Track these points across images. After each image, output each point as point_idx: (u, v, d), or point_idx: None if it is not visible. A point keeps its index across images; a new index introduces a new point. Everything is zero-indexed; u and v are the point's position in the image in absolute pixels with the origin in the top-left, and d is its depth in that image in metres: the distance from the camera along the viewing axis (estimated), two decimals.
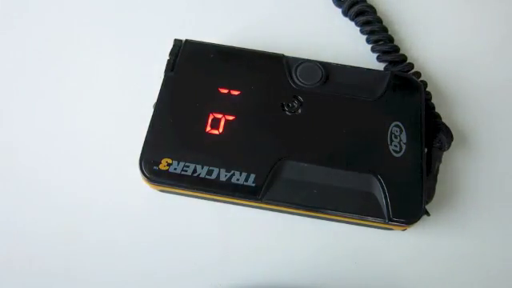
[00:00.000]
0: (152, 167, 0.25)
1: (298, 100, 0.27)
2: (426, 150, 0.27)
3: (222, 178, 0.25)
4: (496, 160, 0.29)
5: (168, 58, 0.28)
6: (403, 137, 0.26)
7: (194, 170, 0.25)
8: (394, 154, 0.26)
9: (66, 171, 0.28)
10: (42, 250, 0.26)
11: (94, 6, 0.33)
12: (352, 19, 0.32)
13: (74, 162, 0.28)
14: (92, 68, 0.31)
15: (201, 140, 0.26)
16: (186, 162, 0.25)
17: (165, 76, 0.27)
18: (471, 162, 0.29)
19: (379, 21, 0.31)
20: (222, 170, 0.25)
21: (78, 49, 0.31)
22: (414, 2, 0.34)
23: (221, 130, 0.26)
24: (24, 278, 0.26)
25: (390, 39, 0.31)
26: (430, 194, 0.26)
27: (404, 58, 0.30)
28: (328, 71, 0.28)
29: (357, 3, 0.32)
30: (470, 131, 0.30)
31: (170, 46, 0.28)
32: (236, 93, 0.27)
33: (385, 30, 0.31)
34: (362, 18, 0.31)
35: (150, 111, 0.26)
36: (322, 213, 0.25)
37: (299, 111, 0.27)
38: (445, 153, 0.28)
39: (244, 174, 0.25)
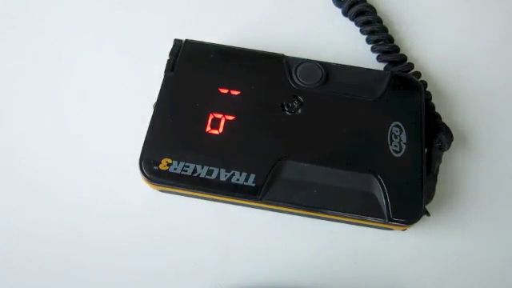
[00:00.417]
0: (152, 167, 0.25)
1: (298, 100, 0.27)
2: (426, 149, 0.27)
3: (222, 178, 0.25)
4: (496, 160, 0.29)
5: (168, 58, 0.28)
6: (403, 137, 0.26)
7: (194, 170, 0.25)
8: (394, 154, 0.26)
9: (66, 171, 0.28)
10: (42, 249, 0.26)
11: (94, 6, 0.33)
12: (352, 19, 0.32)
13: (74, 162, 0.28)
14: (92, 68, 0.31)
15: (201, 140, 0.26)
16: (186, 161, 0.25)
17: (165, 76, 0.27)
18: (471, 161, 0.29)
19: (379, 21, 0.31)
20: (222, 170, 0.25)
21: (78, 49, 0.31)
22: (414, 2, 0.34)
23: (221, 130, 0.26)
24: (24, 278, 0.26)
25: (390, 39, 0.31)
26: (430, 194, 0.26)
27: (404, 58, 0.30)
28: (328, 71, 0.28)
29: (357, 3, 0.32)
30: (470, 131, 0.30)
31: (169, 46, 0.28)
32: (236, 93, 0.27)
33: (385, 30, 0.31)
34: (361, 18, 0.31)
35: (150, 111, 0.26)
36: (322, 213, 0.25)
37: (299, 111, 0.27)
38: (445, 153, 0.28)
39: (244, 174, 0.25)
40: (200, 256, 0.26)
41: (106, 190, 0.27)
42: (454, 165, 0.29)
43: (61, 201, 0.27)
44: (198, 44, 0.28)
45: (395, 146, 0.26)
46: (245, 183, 0.25)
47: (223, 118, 0.26)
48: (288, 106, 0.27)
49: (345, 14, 0.32)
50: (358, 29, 0.32)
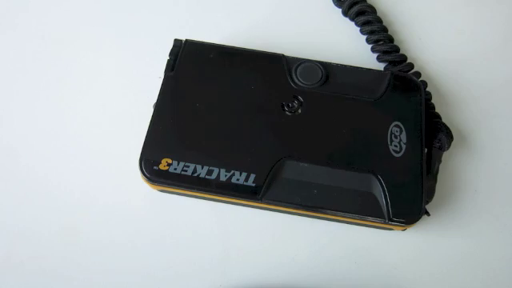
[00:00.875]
0: (152, 167, 0.25)
1: (298, 100, 0.27)
2: (426, 149, 0.27)
3: (222, 178, 0.25)
4: (496, 160, 0.29)
5: (168, 58, 0.28)
6: (403, 137, 0.26)
7: (194, 170, 0.25)
8: (394, 154, 0.26)
9: (66, 171, 0.28)
10: (41, 249, 0.26)
11: (94, 7, 0.33)
12: (352, 19, 0.32)
13: (74, 161, 0.28)
14: (92, 68, 0.31)
15: (201, 140, 0.26)
16: (186, 162, 0.25)
17: (165, 76, 0.27)
18: (471, 161, 0.29)
19: (379, 21, 0.31)
20: (222, 170, 0.25)
21: (78, 49, 0.31)
22: (414, 2, 0.34)
23: (221, 130, 0.26)
24: (24, 278, 0.26)
25: (390, 39, 0.31)
26: (430, 194, 0.26)
27: (404, 58, 0.30)
28: (328, 71, 0.28)
29: (357, 3, 0.32)
30: (470, 131, 0.30)
31: (169, 46, 0.28)
32: (236, 93, 0.27)
33: (385, 30, 0.31)
34: (361, 18, 0.31)
35: (150, 111, 0.26)
36: (322, 213, 0.25)
37: (299, 111, 0.27)
38: (445, 153, 0.28)
39: (244, 174, 0.25)
40: (200, 256, 0.26)
41: (106, 189, 0.27)
42: (454, 165, 0.29)
43: (61, 200, 0.27)
44: (198, 44, 0.28)
45: (395, 146, 0.26)
46: (245, 183, 0.25)
47: (223, 118, 0.26)
48: (288, 105, 0.27)
49: (345, 14, 0.32)
50: (358, 29, 0.32)
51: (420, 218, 0.25)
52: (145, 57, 0.31)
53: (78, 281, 0.26)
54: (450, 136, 0.27)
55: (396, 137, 0.26)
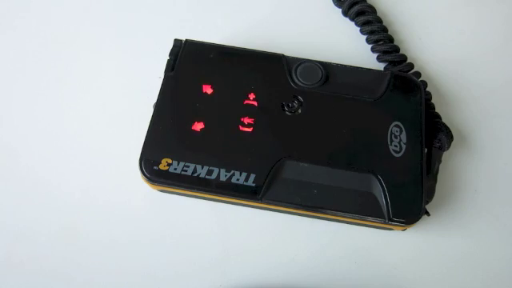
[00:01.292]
0: (152, 167, 0.25)
1: (298, 100, 0.27)
2: (426, 149, 0.27)
3: (222, 178, 0.25)
4: (496, 160, 0.29)
5: (168, 58, 0.28)
6: (403, 137, 0.26)
7: (194, 170, 0.25)
8: (394, 154, 0.26)
9: (66, 171, 0.28)
10: (41, 249, 0.26)
11: (94, 6, 0.33)
12: (352, 19, 0.32)
13: (74, 161, 0.28)
14: (92, 68, 0.31)
15: (201, 140, 0.26)
16: (186, 162, 0.25)
17: (165, 76, 0.27)
18: (471, 161, 0.29)
19: (379, 21, 0.31)
20: (222, 169, 0.25)
21: (78, 49, 0.31)
22: (414, 2, 0.34)
23: (221, 130, 0.26)
24: (24, 278, 0.26)
25: (390, 39, 0.31)
26: (430, 194, 0.26)
27: (404, 58, 0.30)
28: (328, 71, 0.28)
29: (357, 3, 0.32)
30: (470, 131, 0.30)
31: (169, 45, 0.28)
32: (236, 93, 0.27)
33: (385, 29, 0.31)
34: (361, 18, 0.31)
35: (150, 111, 0.26)
36: (322, 213, 0.25)
37: (299, 111, 0.27)
38: (445, 153, 0.28)
39: (244, 174, 0.25)
40: (200, 256, 0.26)
41: (106, 189, 0.27)
42: (454, 165, 0.29)
43: (61, 200, 0.27)
44: (198, 44, 0.28)
45: (395, 146, 0.26)
46: (245, 183, 0.25)
47: (223, 118, 0.26)
48: (288, 105, 0.27)
49: (345, 14, 0.32)
50: (358, 29, 0.32)
51: (420, 217, 0.25)
52: (145, 57, 0.31)
53: (78, 281, 0.26)
54: (450, 136, 0.27)
55: (396, 137, 0.26)
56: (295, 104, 0.27)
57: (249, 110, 0.26)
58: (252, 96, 0.27)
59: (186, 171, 0.25)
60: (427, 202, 0.26)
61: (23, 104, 0.30)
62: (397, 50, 0.31)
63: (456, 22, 0.33)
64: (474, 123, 0.30)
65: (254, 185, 0.25)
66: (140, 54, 0.31)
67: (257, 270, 0.26)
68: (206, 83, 0.27)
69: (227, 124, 0.26)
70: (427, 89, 0.30)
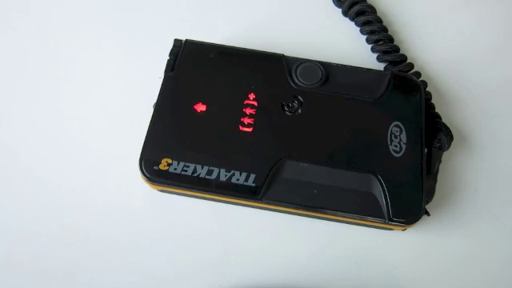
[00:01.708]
0: (152, 167, 0.25)
1: (298, 100, 0.27)
2: (426, 149, 0.27)
3: (222, 178, 0.25)
4: (496, 160, 0.29)
5: (168, 58, 0.28)
6: (403, 137, 0.26)
7: (194, 170, 0.25)
8: (394, 154, 0.26)
9: (66, 171, 0.28)
10: (41, 249, 0.26)
11: (94, 6, 0.33)
12: (352, 19, 0.32)
13: (74, 161, 0.28)
14: (92, 68, 0.31)
15: (201, 140, 0.26)
16: (186, 162, 0.25)
17: (165, 76, 0.27)
18: (471, 161, 0.29)
19: (379, 21, 0.31)
20: (222, 169, 0.25)
21: (78, 49, 0.31)
22: (414, 2, 0.34)
23: (221, 129, 0.26)
24: (24, 278, 0.26)
25: (390, 39, 0.31)
26: (430, 194, 0.26)
27: (404, 58, 0.30)
28: (328, 71, 0.28)
29: (357, 3, 0.32)
30: (470, 131, 0.30)
31: (169, 45, 0.28)
32: (236, 93, 0.27)
33: (385, 29, 0.31)
34: (361, 18, 0.31)
35: (150, 111, 0.26)
36: (322, 213, 0.25)
37: (299, 111, 0.27)
38: (445, 153, 0.28)
39: (244, 174, 0.25)
40: (200, 256, 0.26)
41: (106, 189, 0.27)
42: (454, 165, 0.29)
43: (61, 200, 0.27)
44: (198, 44, 0.28)
45: (395, 146, 0.26)
46: (245, 183, 0.25)
47: (223, 118, 0.26)
48: (288, 106, 0.27)
49: (345, 14, 0.32)
50: (358, 29, 0.32)
51: (420, 217, 0.25)
52: (145, 57, 0.31)
53: (78, 281, 0.26)
54: (449, 136, 0.27)
55: (396, 137, 0.26)
56: (295, 104, 0.27)
57: (249, 110, 0.26)
58: (252, 96, 0.27)
59: (186, 171, 0.25)
60: (427, 202, 0.26)
61: (23, 104, 0.30)
62: (397, 50, 0.31)
63: (456, 21, 0.33)
64: (474, 123, 0.30)
65: (253, 185, 0.25)
66: (140, 54, 0.31)
67: (257, 270, 0.26)
68: (206, 83, 0.27)
69: (227, 124, 0.26)
70: (427, 89, 0.30)
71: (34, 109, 0.29)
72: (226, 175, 0.25)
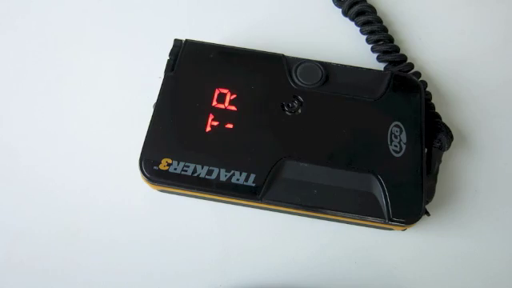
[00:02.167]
0: (152, 167, 0.25)
1: (298, 100, 0.27)
2: (426, 149, 0.27)
3: (222, 178, 0.25)
4: (496, 160, 0.29)
5: (168, 58, 0.28)
6: (403, 137, 0.26)
7: (194, 170, 0.25)
8: (394, 154, 0.26)
9: (66, 171, 0.28)
10: (41, 249, 0.26)
11: (94, 6, 0.33)
12: (352, 19, 0.32)
13: (74, 161, 0.28)
14: (92, 68, 0.31)
15: (201, 140, 0.26)
16: (186, 162, 0.25)
17: (165, 76, 0.27)
18: (471, 161, 0.29)
19: (379, 21, 0.31)
20: (222, 170, 0.25)
21: (78, 49, 0.31)
22: (414, 2, 0.34)
23: (220, 130, 0.26)
24: (24, 278, 0.26)
25: (390, 39, 0.31)
26: (430, 194, 0.26)
27: (404, 58, 0.30)
28: (328, 71, 0.28)
29: (357, 3, 0.32)
30: (470, 131, 0.30)
31: (169, 46, 0.28)
32: (236, 93, 0.27)
33: (385, 29, 0.31)
34: (361, 18, 0.31)
35: (150, 111, 0.26)
36: (322, 213, 0.25)
37: (299, 111, 0.27)
38: (445, 153, 0.28)
39: (244, 174, 0.25)
40: (200, 256, 0.26)
41: (106, 189, 0.27)
42: (454, 165, 0.29)
43: (61, 200, 0.27)
44: (198, 44, 0.28)
45: (395, 146, 0.26)
46: (245, 183, 0.25)
47: (223, 118, 0.26)
48: (288, 106, 0.27)
49: (345, 14, 0.32)
50: (358, 29, 0.32)
51: (420, 217, 0.25)
52: (145, 57, 0.31)
53: (78, 281, 0.26)
54: (450, 136, 0.27)
55: (396, 137, 0.26)
56: (295, 104, 0.27)
57: (249, 110, 0.26)
58: (252, 96, 0.27)
59: (186, 171, 0.25)
60: (427, 202, 0.26)
61: (23, 104, 0.30)
62: (397, 50, 0.31)
63: (456, 22, 0.33)
64: (474, 123, 0.30)
65: (253, 185, 0.25)
66: (140, 54, 0.31)
67: (257, 270, 0.26)
68: (206, 83, 0.27)
69: (227, 124, 0.26)
70: (427, 89, 0.30)
71: (33, 109, 0.29)
72: (225, 175, 0.25)
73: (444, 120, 0.29)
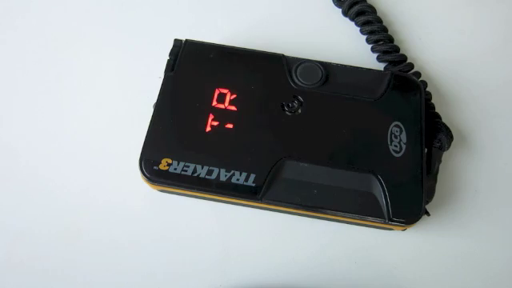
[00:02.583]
0: (152, 167, 0.25)
1: (298, 100, 0.27)
2: (426, 149, 0.27)
3: (222, 178, 0.25)
4: (496, 160, 0.29)
5: (168, 58, 0.28)
6: (403, 137, 0.26)
7: (194, 170, 0.25)
8: (394, 154, 0.26)
9: (66, 171, 0.28)
10: (41, 249, 0.26)
11: (94, 6, 0.33)
12: (352, 19, 0.32)
13: (74, 161, 0.28)
14: (92, 68, 0.31)
15: (201, 140, 0.26)
16: (186, 162, 0.25)
17: (165, 76, 0.27)
18: (471, 161, 0.29)
19: (379, 21, 0.31)
20: (222, 170, 0.25)
21: (78, 49, 0.31)
22: (414, 2, 0.34)
23: (221, 130, 0.26)
24: (24, 278, 0.26)
25: (390, 39, 0.31)
26: (430, 194, 0.26)
27: (404, 58, 0.30)
28: (328, 71, 0.28)
29: (357, 3, 0.32)
30: (470, 131, 0.30)
31: (169, 46, 0.28)
32: (236, 93, 0.27)
33: (385, 29, 0.31)
34: (361, 18, 0.31)
35: (150, 111, 0.26)
36: (322, 213, 0.25)
37: (299, 111, 0.27)
38: (445, 153, 0.28)
39: (244, 174, 0.25)
40: (200, 256, 0.26)
41: (106, 189, 0.27)
42: (454, 165, 0.29)
43: (61, 200, 0.27)
44: (198, 44, 0.28)
45: (395, 146, 0.26)
46: (245, 183, 0.25)
47: (223, 118, 0.26)
48: (288, 106, 0.27)
49: (345, 14, 0.32)
50: (358, 29, 0.32)
51: (420, 217, 0.25)
52: (145, 57, 0.31)
53: (78, 281, 0.26)
54: (450, 136, 0.27)
55: (396, 137, 0.26)
56: (295, 104, 0.27)
57: (249, 110, 0.26)
58: (252, 96, 0.27)
59: (186, 171, 0.25)
60: (427, 202, 0.26)
61: (23, 104, 0.30)
62: (397, 50, 0.31)
63: (456, 22, 0.33)
64: (474, 123, 0.30)
65: (253, 185, 0.25)
66: (140, 54, 0.31)
67: (257, 270, 0.26)
68: (206, 83, 0.27)
69: (227, 124, 0.26)
70: (427, 89, 0.30)
71: (34, 109, 0.29)
72: (225, 175, 0.25)
73: (444, 120, 0.29)
